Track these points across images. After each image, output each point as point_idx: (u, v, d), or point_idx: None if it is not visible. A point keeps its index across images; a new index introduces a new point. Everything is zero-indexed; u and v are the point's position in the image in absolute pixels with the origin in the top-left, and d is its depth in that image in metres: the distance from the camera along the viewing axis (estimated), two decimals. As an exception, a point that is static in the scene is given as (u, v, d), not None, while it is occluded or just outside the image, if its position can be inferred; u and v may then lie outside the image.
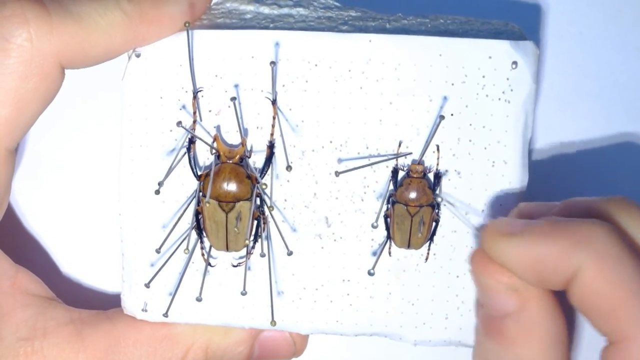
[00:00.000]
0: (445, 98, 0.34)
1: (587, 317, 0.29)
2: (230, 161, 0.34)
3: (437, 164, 0.34)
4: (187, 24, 0.34)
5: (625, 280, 0.28)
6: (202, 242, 0.35)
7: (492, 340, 0.31)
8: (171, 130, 0.35)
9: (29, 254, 0.41)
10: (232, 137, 0.35)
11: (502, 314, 0.31)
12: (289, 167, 0.35)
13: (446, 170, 0.35)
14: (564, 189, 0.41)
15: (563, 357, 0.30)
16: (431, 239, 0.35)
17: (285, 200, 0.35)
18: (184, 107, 0.35)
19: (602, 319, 0.29)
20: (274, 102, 0.34)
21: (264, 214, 0.35)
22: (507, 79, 0.34)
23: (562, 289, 0.30)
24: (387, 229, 0.35)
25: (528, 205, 0.33)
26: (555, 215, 0.31)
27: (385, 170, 0.35)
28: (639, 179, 0.41)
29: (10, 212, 0.41)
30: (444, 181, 0.35)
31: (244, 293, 0.35)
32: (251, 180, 0.34)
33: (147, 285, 0.35)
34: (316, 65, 0.34)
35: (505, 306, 0.31)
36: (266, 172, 0.35)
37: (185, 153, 0.35)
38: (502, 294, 0.31)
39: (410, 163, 0.35)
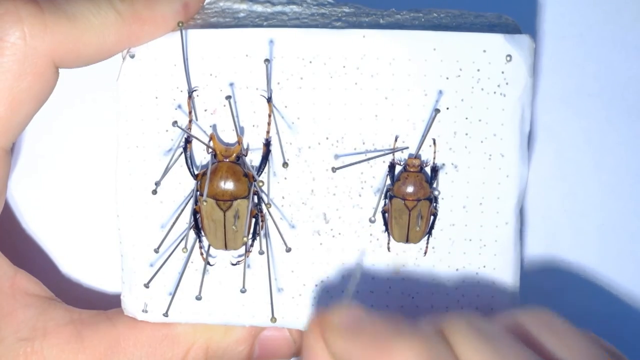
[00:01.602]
0: (440, 92, 0.34)
1: None
2: (227, 160, 0.34)
3: (434, 158, 0.35)
4: (180, 24, 0.34)
5: None
6: (200, 241, 0.35)
7: None
8: (167, 130, 0.35)
9: (28, 255, 0.41)
10: (228, 136, 0.35)
11: None
12: (285, 164, 0.35)
13: (443, 164, 0.35)
14: (564, 189, 0.41)
15: None
16: (429, 233, 0.35)
17: (283, 198, 0.35)
18: (179, 106, 0.35)
19: None
20: (269, 99, 0.34)
21: (261, 211, 0.35)
22: (502, 72, 0.34)
23: None
24: (385, 223, 0.35)
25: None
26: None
27: (382, 165, 0.35)
28: (639, 179, 0.41)
29: (8, 213, 0.41)
30: (441, 175, 0.35)
31: (243, 291, 0.36)
32: (248, 179, 0.34)
33: (147, 286, 0.35)
34: (311, 62, 0.34)
35: None
36: (263, 169, 0.35)
37: (181, 153, 0.35)
38: None
39: (407, 157, 0.35)
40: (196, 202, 0.35)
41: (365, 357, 0.29)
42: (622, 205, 0.41)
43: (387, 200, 0.35)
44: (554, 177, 0.41)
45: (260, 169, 0.35)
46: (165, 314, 0.36)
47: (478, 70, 0.34)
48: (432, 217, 0.35)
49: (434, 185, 0.35)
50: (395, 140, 0.35)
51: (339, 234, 0.35)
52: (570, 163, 0.41)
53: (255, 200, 0.35)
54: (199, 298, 0.35)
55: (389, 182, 0.35)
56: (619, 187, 0.41)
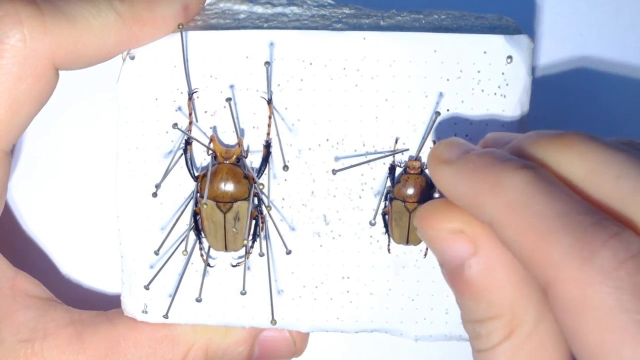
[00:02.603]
0: (441, 94, 0.34)
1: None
2: (227, 161, 0.34)
3: (434, 160, 0.34)
4: (180, 26, 0.34)
5: (534, 227, 0.26)
6: (200, 242, 0.35)
7: (465, 297, 0.29)
8: (167, 132, 0.35)
9: (28, 256, 0.42)
10: (229, 138, 0.35)
11: (460, 263, 0.28)
12: (286, 167, 0.35)
13: (443, 166, 0.35)
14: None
15: (537, 291, 0.28)
16: (430, 235, 0.35)
17: (283, 199, 0.35)
18: (179, 108, 0.35)
19: (527, 268, 0.27)
20: (269, 101, 0.34)
21: (262, 213, 0.35)
22: (503, 73, 0.34)
23: None
24: (386, 225, 0.35)
25: (495, 135, 0.31)
26: (507, 147, 0.29)
27: (383, 167, 0.35)
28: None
29: (8, 214, 0.41)
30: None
31: (243, 293, 0.36)
32: (248, 180, 0.34)
33: (147, 287, 0.35)
34: (311, 63, 0.34)
35: (458, 252, 0.28)
36: (263, 171, 0.35)
37: (181, 154, 0.35)
38: (449, 241, 0.28)
39: (407, 159, 0.35)
40: (196, 203, 0.35)
41: (475, 189, 0.27)
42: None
43: (387, 202, 0.35)
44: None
45: (260, 171, 0.35)
46: (165, 315, 0.36)
47: (478, 71, 0.34)
48: (432, 219, 0.35)
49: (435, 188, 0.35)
50: (396, 142, 0.34)
51: (339, 235, 0.35)
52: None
53: (256, 202, 0.35)
54: (199, 300, 0.35)
55: (389, 184, 0.35)
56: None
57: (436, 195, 0.34)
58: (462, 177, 0.28)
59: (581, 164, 0.27)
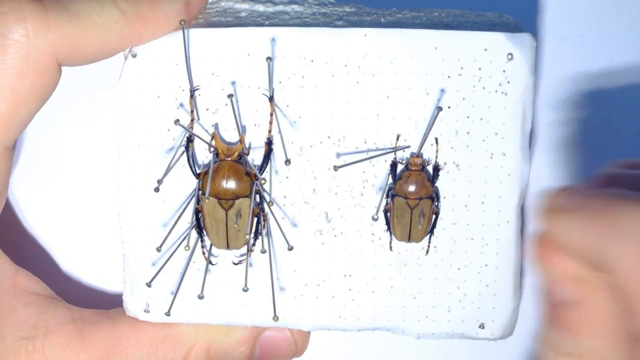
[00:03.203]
0: (442, 91, 0.34)
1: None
2: (229, 159, 0.34)
3: (436, 157, 0.35)
4: (182, 23, 0.34)
5: None
6: (202, 240, 0.35)
7: (555, 329, 0.29)
8: (169, 130, 0.35)
9: (30, 253, 0.41)
10: (230, 135, 0.35)
11: (564, 302, 0.29)
12: (288, 162, 0.35)
13: (445, 163, 0.35)
14: (564, 182, 0.41)
15: (628, 350, 0.28)
16: (431, 232, 0.35)
17: (285, 197, 0.35)
18: (181, 105, 0.35)
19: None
20: (271, 98, 0.34)
21: (263, 210, 0.35)
22: (504, 71, 0.34)
23: None
24: (387, 223, 0.35)
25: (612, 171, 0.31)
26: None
27: (384, 164, 0.35)
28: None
29: (10, 211, 0.41)
30: (443, 173, 0.35)
31: (245, 290, 0.35)
32: (250, 177, 0.34)
33: (149, 285, 0.35)
34: (312, 61, 0.34)
35: (566, 295, 0.29)
36: (265, 168, 0.35)
37: (183, 152, 0.35)
38: (562, 282, 0.29)
39: (408, 156, 0.35)
40: (198, 201, 0.35)
41: (594, 232, 0.27)
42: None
43: (389, 199, 0.35)
44: (555, 175, 0.41)
45: (262, 168, 0.35)
46: (167, 314, 0.36)
47: (479, 68, 0.34)
48: (434, 216, 0.35)
49: (436, 184, 0.35)
50: (397, 139, 0.35)
51: (341, 233, 0.35)
52: (571, 162, 0.41)
53: (257, 199, 0.35)
54: (201, 297, 0.35)
55: (390, 181, 0.35)
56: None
57: (436, 202, 0.35)
58: (583, 225, 0.27)
59: None
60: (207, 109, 0.35)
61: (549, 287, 0.30)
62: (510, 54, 0.34)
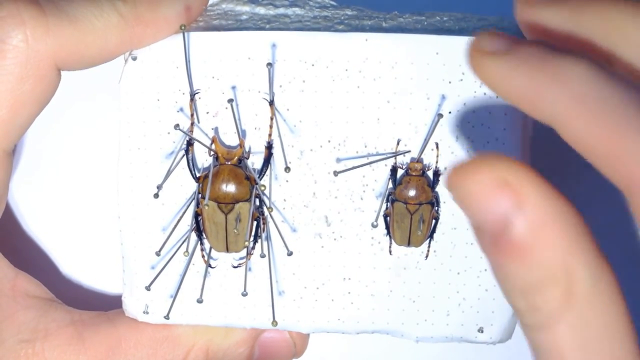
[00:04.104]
0: (443, 96, 0.34)
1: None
2: (229, 162, 0.34)
3: (436, 162, 0.35)
4: (182, 26, 0.34)
5: (610, 119, 0.23)
6: (202, 243, 0.35)
7: (513, 263, 0.25)
8: (169, 133, 0.35)
9: (29, 256, 0.42)
10: (230, 139, 0.35)
11: (503, 222, 0.24)
12: (287, 169, 0.35)
13: (445, 168, 0.35)
14: (564, 189, 0.41)
15: (594, 248, 0.25)
16: (431, 237, 0.35)
17: (285, 201, 0.35)
18: (181, 109, 0.35)
19: (602, 169, 0.24)
20: (271, 102, 0.34)
21: (263, 214, 0.35)
22: (505, 75, 0.34)
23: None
24: (387, 227, 0.35)
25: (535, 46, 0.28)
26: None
27: (384, 169, 0.35)
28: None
29: (9, 214, 0.41)
30: (443, 179, 0.35)
31: (244, 294, 0.36)
32: (250, 181, 0.34)
33: (148, 288, 0.35)
34: (313, 65, 0.34)
35: (501, 208, 0.24)
36: (265, 172, 0.35)
37: (183, 155, 0.35)
38: (489, 195, 0.24)
39: (409, 161, 0.35)
40: (198, 204, 0.35)
41: (533, 82, 0.25)
42: (623, 206, 0.41)
43: (388, 204, 0.35)
44: (555, 180, 0.41)
45: (262, 172, 0.35)
46: (167, 316, 0.36)
47: (481, 74, 0.34)
48: (433, 221, 0.35)
49: (436, 190, 0.35)
50: (398, 143, 0.34)
51: (341, 237, 0.35)
52: (571, 167, 0.41)
53: (257, 203, 0.35)
54: (200, 301, 0.35)
55: (390, 185, 0.35)
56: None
57: (440, 198, 0.35)
58: (517, 70, 0.25)
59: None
60: (207, 113, 0.35)
61: (479, 214, 0.25)
62: (511, 58, 0.34)
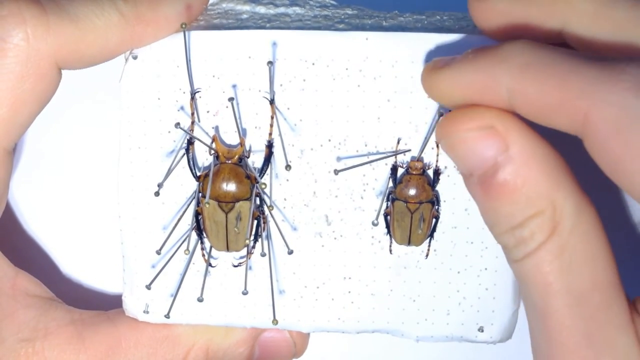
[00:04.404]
0: (443, 95, 0.34)
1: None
2: (229, 161, 0.34)
3: (437, 161, 0.35)
4: (183, 25, 0.34)
5: (556, 72, 0.26)
6: (202, 242, 0.35)
7: (501, 202, 0.28)
8: (169, 132, 0.35)
9: (29, 255, 0.41)
10: (231, 138, 0.35)
11: (491, 165, 0.28)
12: (288, 167, 0.35)
13: (445, 167, 0.35)
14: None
15: (575, 184, 0.27)
16: (431, 236, 0.35)
17: (285, 200, 0.35)
18: (182, 108, 0.35)
19: (560, 117, 0.27)
20: (272, 101, 0.34)
21: (263, 213, 0.35)
22: (505, 74, 0.34)
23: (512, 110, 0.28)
24: (387, 226, 0.35)
25: (474, 51, 0.31)
26: None
27: (385, 168, 0.35)
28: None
29: (9, 213, 0.41)
30: (443, 177, 0.35)
31: (245, 293, 0.36)
32: (250, 180, 0.34)
33: (148, 287, 0.35)
34: (313, 64, 0.34)
35: (489, 151, 0.27)
36: (265, 171, 0.35)
37: (184, 154, 0.35)
38: (477, 140, 0.28)
39: (409, 160, 0.35)
40: (198, 203, 0.35)
41: (482, 72, 0.28)
42: (624, 204, 0.41)
43: (389, 203, 0.35)
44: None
45: (262, 171, 0.35)
46: (167, 315, 0.36)
47: (481, 73, 0.34)
48: (434, 220, 0.35)
49: (436, 188, 0.35)
50: (398, 142, 0.34)
51: (341, 236, 0.35)
52: (571, 163, 0.41)
53: (257, 202, 0.35)
54: (200, 300, 0.35)
55: (391, 184, 0.35)
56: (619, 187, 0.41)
57: (440, 197, 0.35)
58: (466, 70, 0.28)
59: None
60: (208, 112, 0.35)
61: (467, 159, 0.28)
62: (511, 57, 0.34)
